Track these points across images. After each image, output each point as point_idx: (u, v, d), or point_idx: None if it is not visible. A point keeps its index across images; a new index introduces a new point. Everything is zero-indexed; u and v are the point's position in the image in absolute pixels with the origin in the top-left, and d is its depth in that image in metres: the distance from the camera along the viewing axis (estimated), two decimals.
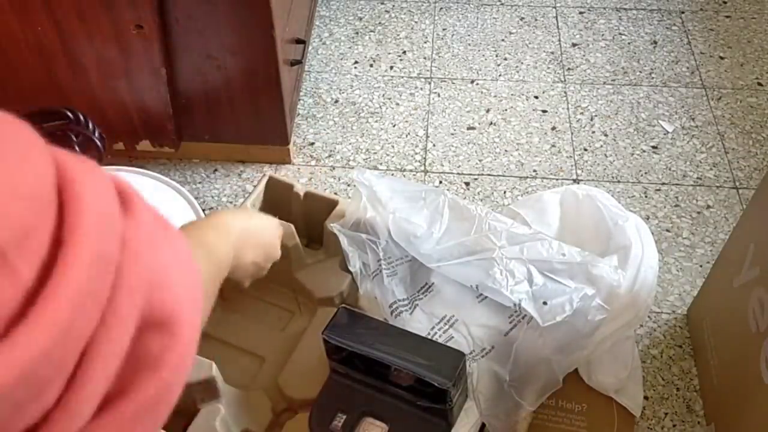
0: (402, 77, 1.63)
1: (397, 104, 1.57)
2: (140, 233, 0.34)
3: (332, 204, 1.11)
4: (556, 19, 1.79)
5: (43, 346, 0.28)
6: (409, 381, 0.90)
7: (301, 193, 1.14)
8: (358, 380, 0.93)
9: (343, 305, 0.96)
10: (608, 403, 1.05)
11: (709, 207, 1.35)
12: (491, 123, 1.52)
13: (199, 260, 0.51)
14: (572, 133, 1.50)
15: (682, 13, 1.81)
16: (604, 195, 1.12)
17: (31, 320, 0.28)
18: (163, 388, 0.35)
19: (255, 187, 1.15)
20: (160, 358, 0.35)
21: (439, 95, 1.59)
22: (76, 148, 0.97)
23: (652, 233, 1.08)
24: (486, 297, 0.97)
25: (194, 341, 0.38)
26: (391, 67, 1.66)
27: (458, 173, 1.42)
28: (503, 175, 1.41)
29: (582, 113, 1.55)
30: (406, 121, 1.53)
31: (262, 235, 0.78)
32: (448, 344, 0.93)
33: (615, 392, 1.05)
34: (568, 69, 1.65)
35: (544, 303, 0.92)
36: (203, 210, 1.25)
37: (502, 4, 1.84)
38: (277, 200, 1.16)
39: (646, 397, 1.08)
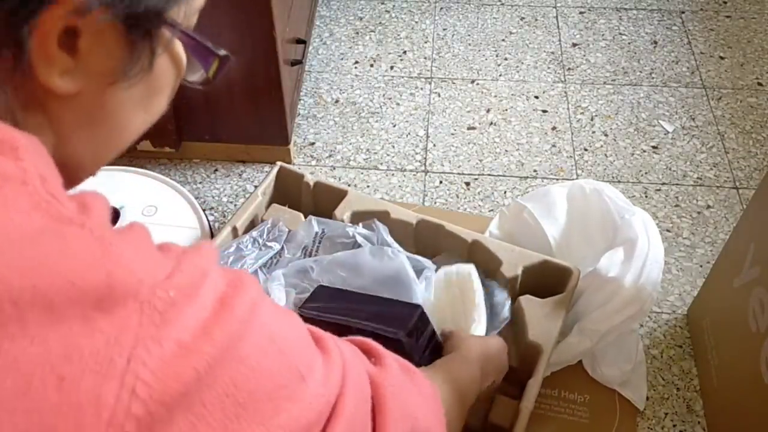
0: (402, 77, 1.63)
1: (398, 104, 1.57)
2: (391, 381, 0.48)
3: (341, 194, 1.12)
4: (557, 19, 1.79)
5: None
6: (372, 339, 0.89)
7: (311, 183, 1.15)
8: None
9: (321, 284, 0.96)
10: (611, 394, 1.06)
11: (709, 207, 1.35)
12: (491, 123, 1.52)
13: (446, 395, 0.64)
14: (572, 133, 1.50)
15: (682, 13, 1.81)
16: (611, 189, 1.12)
17: None
18: None
19: (266, 175, 1.16)
20: None
21: (439, 95, 1.59)
22: None
23: None
24: None
25: None
26: (392, 67, 1.66)
27: (458, 173, 1.42)
28: (503, 175, 1.41)
29: (582, 113, 1.55)
30: (407, 121, 1.53)
31: (499, 360, 0.84)
32: None
33: (619, 385, 1.06)
34: (569, 69, 1.65)
35: None
36: (203, 210, 1.25)
37: (502, 4, 1.84)
38: (288, 189, 1.17)
39: (646, 397, 1.08)
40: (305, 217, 1.12)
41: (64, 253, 0.32)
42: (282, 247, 1.05)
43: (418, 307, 0.88)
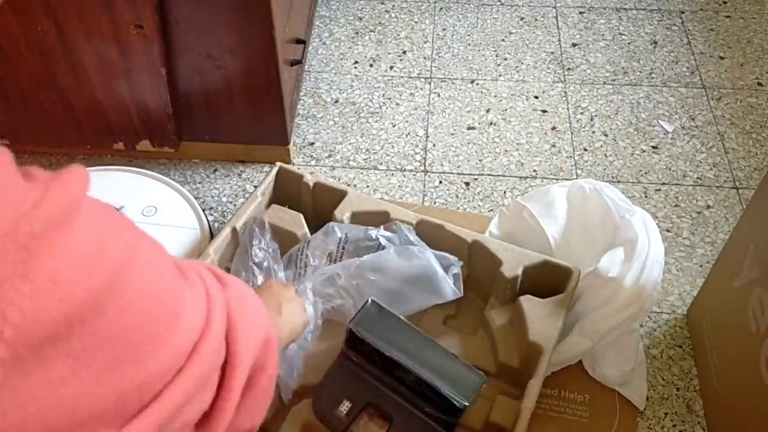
0: (402, 77, 1.63)
1: (397, 104, 1.57)
2: (234, 297, 0.52)
3: (341, 194, 1.12)
4: (556, 19, 1.79)
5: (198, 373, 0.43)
6: (425, 389, 0.90)
7: (311, 183, 1.15)
8: (369, 371, 0.94)
9: (372, 298, 0.96)
10: (611, 394, 1.06)
11: (709, 207, 1.35)
12: (491, 123, 1.52)
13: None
14: (572, 133, 1.50)
15: (682, 13, 1.81)
16: (611, 189, 1.12)
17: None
18: (270, 377, 0.54)
19: (266, 176, 1.16)
20: (266, 363, 0.53)
21: (439, 95, 1.59)
22: None
23: None
24: None
25: (276, 351, 0.56)
26: (391, 67, 1.66)
27: (458, 173, 1.42)
28: (503, 175, 1.41)
29: (582, 113, 1.55)
30: (406, 121, 1.53)
31: (293, 322, 0.83)
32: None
33: (619, 385, 1.06)
34: (568, 69, 1.65)
35: None
36: (203, 210, 1.25)
37: (502, 4, 1.84)
38: (287, 190, 1.17)
39: (646, 397, 1.08)
40: (305, 218, 1.11)
41: None
42: (307, 255, 1.05)
43: (482, 377, 0.91)
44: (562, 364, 1.05)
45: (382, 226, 1.07)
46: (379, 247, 1.04)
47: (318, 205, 1.16)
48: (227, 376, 0.48)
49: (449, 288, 1.00)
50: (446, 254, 1.03)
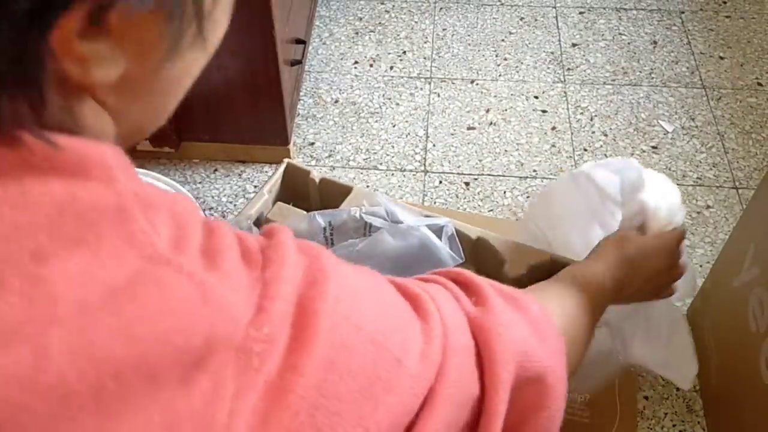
0: (402, 77, 1.63)
1: (397, 104, 1.57)
2: (496, 321, 0.45)
3: (347, 190, 1.12)
4: (556, 19, 1.79)
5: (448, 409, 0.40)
6: None
7: (317, 180, 1.15)
8: None
9: None
10: (611, 394, 1.06)
11: (709, 207, 1.35)
12: (491, 123, 1.52)
13: (566, 308, 0.59)
14: (572, 133, 1.50)
15: (682, 13, 1.81)
16: (602, 175, 1.04)
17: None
18: (548, 418, 0.47)
19: (273, 173, 1.16)
20: (539, 401, 0.47)
21: (439, 95, 1.59)
22: None
23: None
24: None
25: (563, 382, 0.48)
26: (391, 67, 1.66)
27: (458, 173, 1.42)
28: (503, 175, 1.41)
29: (582, 113, 1.55)
30: (406, 121, 1.53)
31: (647, 272, 0.73)
32: None
33: (662, 367, 0.99)
34: (568, 69, 1.65)
35: None
36: (203, 210, 1.25)
37: (502, 4, 1.84)
38: (294, 187, 1.17)
39: (645, 397, 1.08)
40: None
41: (163, 309, 0.28)
42: None
43: None
44: (597, 378, 0.97)
45: (365, 202, 1.06)
46: (366, 226, 1.04)
47: (325, 201, 1.16)
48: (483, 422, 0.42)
49: (447, 256, 0.99)
50: (433, 217, 1.02)
